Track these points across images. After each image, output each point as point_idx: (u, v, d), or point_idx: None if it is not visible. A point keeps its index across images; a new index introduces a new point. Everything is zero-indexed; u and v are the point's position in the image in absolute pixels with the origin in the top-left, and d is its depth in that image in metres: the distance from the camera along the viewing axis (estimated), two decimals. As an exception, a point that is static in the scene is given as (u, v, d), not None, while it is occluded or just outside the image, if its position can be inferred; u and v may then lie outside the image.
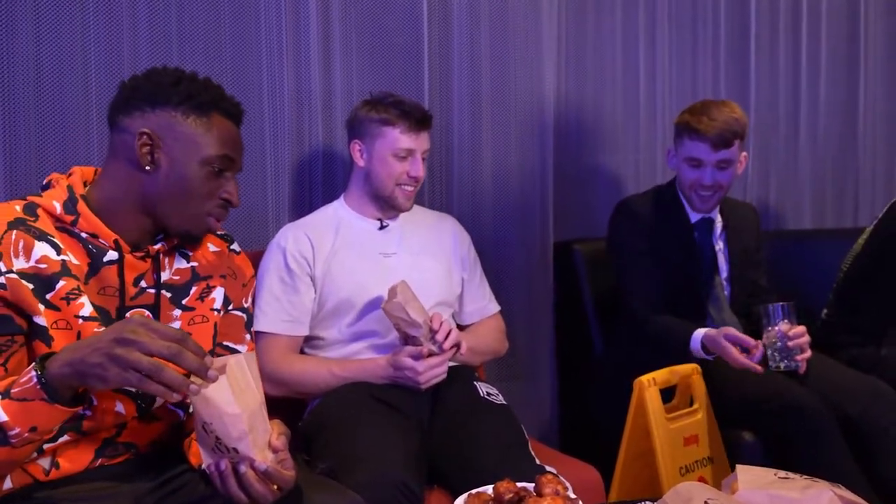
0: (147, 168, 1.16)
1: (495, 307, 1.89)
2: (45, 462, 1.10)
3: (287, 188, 1.95)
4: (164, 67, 1.22)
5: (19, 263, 1.08)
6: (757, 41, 2.59)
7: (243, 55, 1.88)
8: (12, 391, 0.96)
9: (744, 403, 1.78)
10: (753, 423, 1.77)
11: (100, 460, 1.13)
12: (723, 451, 1.78)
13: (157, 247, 1.20)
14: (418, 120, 1.69)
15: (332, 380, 1.62)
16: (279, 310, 1.65)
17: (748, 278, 2.06)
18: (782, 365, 1.76)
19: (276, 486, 1.03)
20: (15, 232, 1.09)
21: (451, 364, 1.75)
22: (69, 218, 1.13)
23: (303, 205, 1.94)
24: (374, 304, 1.69)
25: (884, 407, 1.77)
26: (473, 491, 1.16)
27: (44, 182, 1.20)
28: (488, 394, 1.66)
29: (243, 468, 1.00)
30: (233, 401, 0.97)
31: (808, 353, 1.77)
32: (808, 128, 2.70)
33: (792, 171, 2.69)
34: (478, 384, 1.68)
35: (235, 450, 0.99)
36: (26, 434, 0.96)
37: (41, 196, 1.15)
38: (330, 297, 1.68)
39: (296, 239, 1.70)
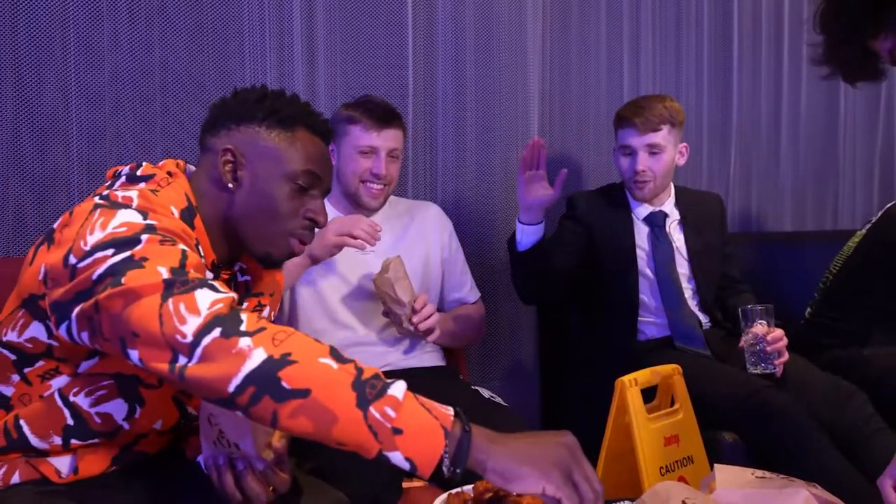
0: (230, 185, 1.11)
1: (475, 295, 1.91)
2: (62, 463, 1.06)
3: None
4: (253, 86, 1.18)
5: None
6: (740, 48, 2.62)
7: (226, 54, 1.88)
8: (419, 398, 0.87)
9: (724, 404, 1.78)
10: (733, 423, 1.77)
11: (114, 467, 1.10)
12: (703, 451, 1.78)
13: (235, 268, 1.19)
14: (380, 117, 1.71)
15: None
16: None
17: (715, 272, 2.06)
18: (759, 368, 1.77)
19: (271, 488, 1.02)
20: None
21: (438, 365, 1.75)
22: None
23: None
24: (352, 302, 1.70)
25: (854, 406, 1.79)
26: (453, 490, 1.15)
27: (138, 173, 1.09)
28: (491, 396, 1.69)
29: (241, 465, 1.00)
30: None
31: (786, 357, 1.79)
32: (789, 132, 2.74)
33: (773, 175, 2.72)
34: (477, 388, 1.71)
35: (237, 446, 0.99)
36: (387, 426, 0.83)
37: (156, 194, 1.05)
38: (306, 289, 1.68)
39: None
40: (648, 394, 1.82)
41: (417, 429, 0.84)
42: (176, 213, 1.05)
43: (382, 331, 1.72)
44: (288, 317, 1.72)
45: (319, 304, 1.70)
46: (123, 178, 1.10)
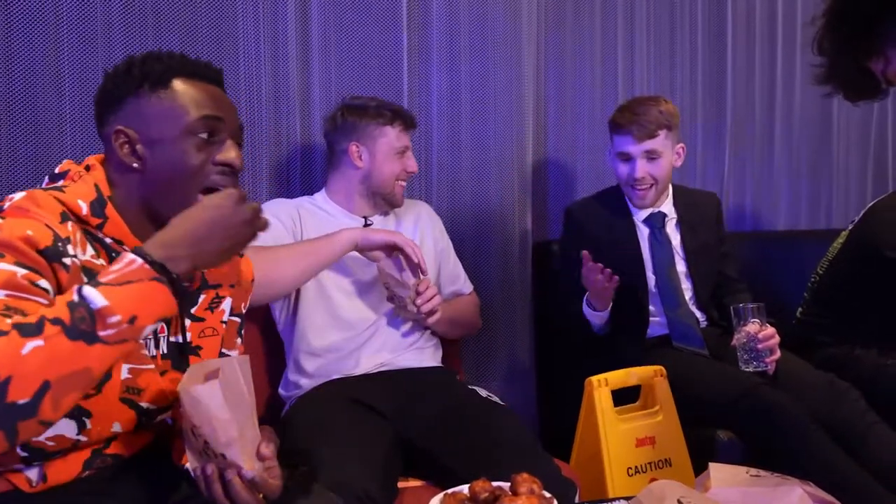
0: (135, 165, 1.08)
1: (469, 287, 1.94)
2: (31, 473, 1.05)
3: (265, 186, 1.94)
4: (117, 64, 1.13)
5: (83, 256, 1.01)
6: (734, 47, 2.63)
7: (220, 53, 1.87)
8: (103, 280, 0.90)
9: (720, 402, 1.79)
10: (730, 421, 1.78)
11: (87, 472, 1.09)
12: (685, 453, 1.78)
13: None
14: (410, 119, 1.82)
15: (307, 247, 1.61)
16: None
17: (711, 271, 2.08)
18: (752, 366, 1.78)
19: (261, 495, 1.01)
20: (70, 223, 1.02)
21: (435, 365, 1.75)
22: (96, 221, 1.05)
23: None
24: (349, 302, 1.70)
25: (848, 402, 1.80)
26: (449, 491, 1.15)
27: (56, 171, 1.11)
28: (489, 395, 1.69)
29: (230, 475, 0.97)
30: (224, 405, 0.95)
31: (778, 355, 1.80)
32: (783, 132, 2.75)
33: (767, 175, 2.74)
34: (474, 387, 1.71)
35: (223, 455, 0.97)
36: (125, 325, 0.89)
37: (63, 192, 1.04)
38: (311, 285, 1.69)
39: (285, 204, 1.77)
40: (633, 395, 1.83)
41: (142, 302, 0.91)
42: (85, 208, 1.04)
43: (380, 330, 1.72)
44: (291, 310, 1.72)
45: (322, 301, 1.70)
46: (47, 178, 1.11)
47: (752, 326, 1.76)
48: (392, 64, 2.07)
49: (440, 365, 1.79)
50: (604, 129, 2.43)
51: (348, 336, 1.69)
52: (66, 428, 1.03)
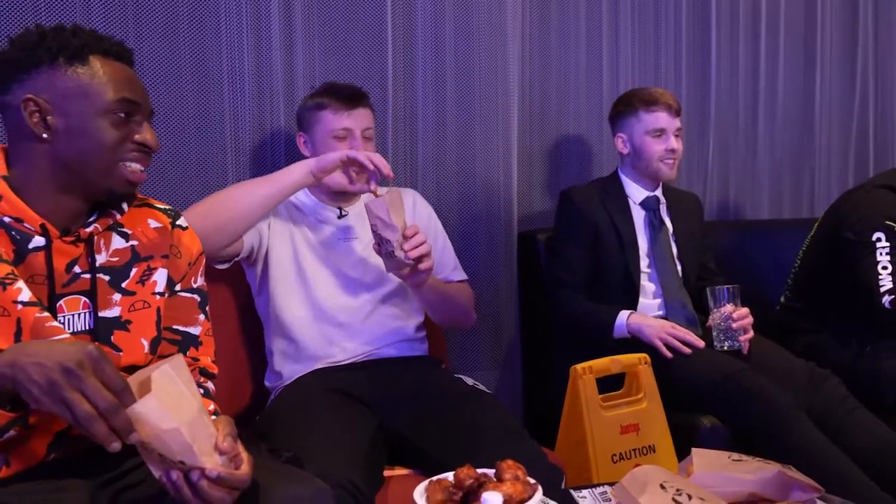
0: (45, 136, 1.07)
1: (461, 276, 1.87)
2: None
3: (248, 175, 1.93)
4: (26, 30, 1.11)
5: None
6: (718, 38, 2.64)
7: (202, 40, 1.85)
8: None
9: (702, 389, 1.81)
10: (712, 408, 1.80)
11: (52, 455, 1.09)
12: (668, 440, 1.80)
13: (88, 230, 1.13)
14: (348, 97, 1.69)
15: (253, 185, 1.58)
16: None
17: (696, 259, 2.14)
18: (726, 345, 1.86)
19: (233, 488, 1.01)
20: None
21: (421, 355, 1.74)
22: None
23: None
24: (334, 290, 1.68)
25: (828, 388, 1.83)
26: (434, 478, 1.16)
27: None
28: (475, 384, 1.68)
29: (195, 477, 0.97)
30: (167, 416, 0.92)
31: (751, 334, 1.87)
32: (766, 122, 2.77)
33: (750, 164, 2.76)
34: (460, 376, 1.70)
35: (182, 462, 0.96)
36: None
37: None
38: (292, 275, 1.67)
39: None
40: (618, 382, 1.84)
41: None
42: None
43: (365, 321, 1.70)
44: (270, 299, 1.69)
45: (303, 291, 1.68)
46: None
47: (728, 307, 1.85)
48: (377, 51, 2.06)
49: (425, 354, 1.79)
50: (589, 119, 2.44)
51: (331, 326, 1.68)
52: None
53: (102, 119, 1.09)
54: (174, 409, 0.94)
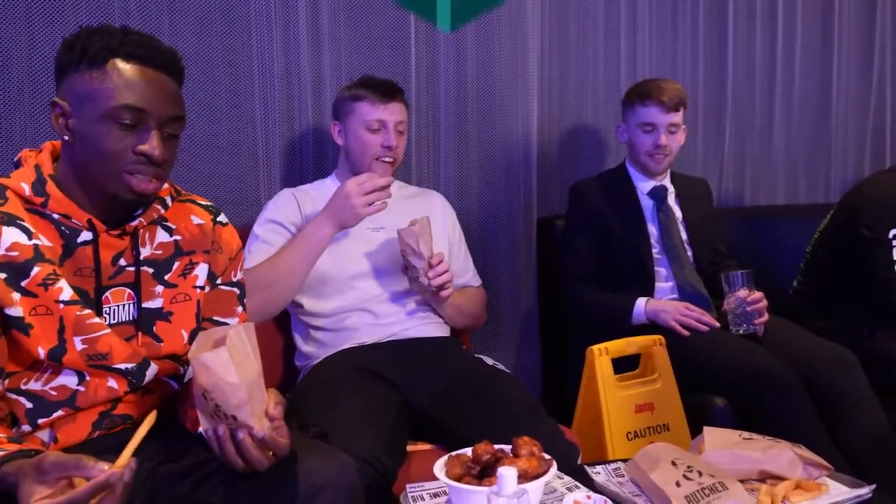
0: (66, 138, 1.10)
1: (478, 282, 1.96)
2: (43, 435, 1.11)
3: (278, 167, 1.99)
4: (66, 38, 1.12)
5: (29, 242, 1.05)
6: (735, 26, 2.65)
7: (233, 36, 1.90)
8: None
9: (715, 371, 1.85)
10: (725, 389, 1.84)
11: (97, 432, 1.14)
12: (682, 418, 1.85)
13: (134, 223, 1.15)
14: (385, 91, 1.75)
15: (293, 259, 1.64)
16: (260, 249, 1.70)
17: (708, 244, 2.17)
18: (742, 329, 1.90)
19: (271, 453, 1.06)
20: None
21: (442, 335, 1.80)
22: (39, 200, 1.09)
23: (294, 184, 1.96)
24: (359, 275, 1.74)
25: (847, 375, 1.85)
26: (453, 453, 1.21)
27: (15, 159, 1.16)
28: (495, 363, 1.73)
29: (241, 435, 1.01)
30: (233, 370, 0.99)
31: (766, 318, 1.91)
32: (782, 108, 2.77)
33: (766, 150, 2.76)
34: (480, 356, 1.76)
35: (234, 417, 1.01)
36: None
37: (9, 177, 1.11)
38: (325, 261, 1.71)
39: (285, 198, 1.79)
40: (633, 363, 1.89)
41: None
42: (27, 189, 1.09)
43: (391, 304, 1.76)
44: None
45: (331, 277, 1.73)
46: (13, 167, 1.16)
47: (742, 291, 1.89)
48: (400, 46, 2.10)
49: (448, 335, 1.85)
50: (607, 108, 2.46)
51: (358, 310, 1.73)
52: (69, 380, 1.11)
53: (104, 125, 1.08)
54: (240, 366, 1.00)
